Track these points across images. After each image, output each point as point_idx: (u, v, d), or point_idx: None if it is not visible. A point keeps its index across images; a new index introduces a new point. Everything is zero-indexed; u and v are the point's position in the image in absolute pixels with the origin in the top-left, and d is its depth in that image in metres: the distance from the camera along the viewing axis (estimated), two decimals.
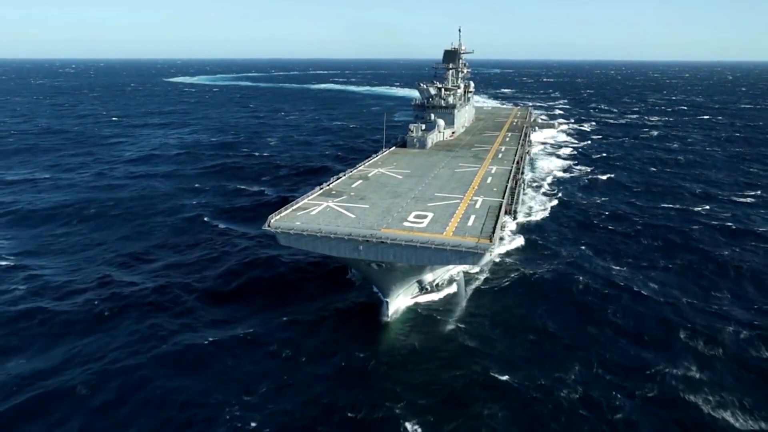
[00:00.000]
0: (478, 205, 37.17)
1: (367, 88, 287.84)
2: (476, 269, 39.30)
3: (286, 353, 30.61)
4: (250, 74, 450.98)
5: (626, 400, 26.74)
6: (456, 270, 38.04)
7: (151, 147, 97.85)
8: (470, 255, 28.98)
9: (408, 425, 24.86)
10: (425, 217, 33.93)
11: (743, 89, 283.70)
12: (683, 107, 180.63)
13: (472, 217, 34.07)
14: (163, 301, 36.32)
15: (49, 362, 29.72)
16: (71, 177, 73.69)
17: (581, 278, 40.24)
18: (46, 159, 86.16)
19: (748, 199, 64.17)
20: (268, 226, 31.70)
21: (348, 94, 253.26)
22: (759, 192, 66.96)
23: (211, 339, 31.66)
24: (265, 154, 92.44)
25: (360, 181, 43.41)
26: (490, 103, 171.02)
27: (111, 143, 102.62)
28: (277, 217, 33.04)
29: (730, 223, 53.51)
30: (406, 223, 32.49)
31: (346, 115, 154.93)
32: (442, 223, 32.86)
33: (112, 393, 27.08)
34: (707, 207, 60.32)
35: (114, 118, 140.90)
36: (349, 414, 25.74)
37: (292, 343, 31.59)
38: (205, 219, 55.09)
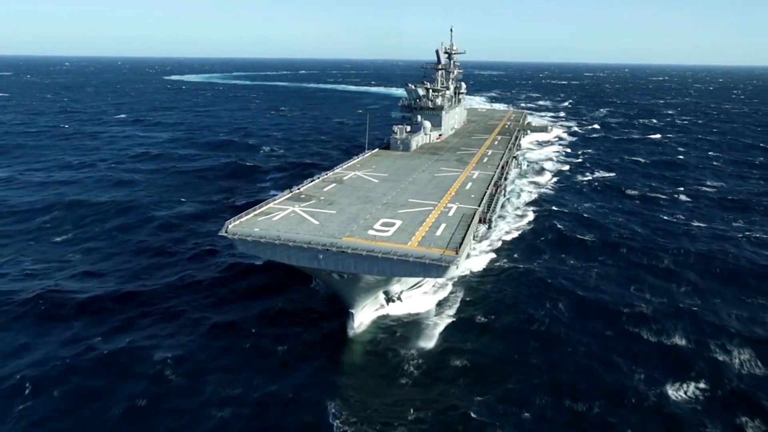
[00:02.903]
0: (451, 213, 35.58)
1: (365, 87, 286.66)
2: (442, 281, 37.22)
3: (241, 365, 29.10)
4: (247, 73, 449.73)
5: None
6: (425, 280, 36.48)
7: (148, 145, 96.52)
8: (434, 267, 27.41)
9: None
10: (393, 225, 32.34)
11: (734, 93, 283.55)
12: (674, 111, 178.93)
13: (443, 226, 32.49)
14: (113, 304, 35.15)
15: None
16: (64, 175, 72.60)
17: (564, 288, 38.78)
18: (50, 157, 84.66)
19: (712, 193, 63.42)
20: (225, 231, 30.17)
21: (346, 93, 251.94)
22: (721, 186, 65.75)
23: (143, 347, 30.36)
24: (260, 152, 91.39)
25: (333, 185, 41.84)
26: (487, 105, 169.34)
27: (109, 141, 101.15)
28: (236, 222, 31.49)
29: (715, 227, 52.39)
30: (371, 232, 30.91)
31: (344, 114, 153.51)
32: (410, 232, 31.27)
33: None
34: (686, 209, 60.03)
35: (107, 117, 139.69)
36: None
37: (249, 353, 30.13)
38: (185, 219, 53.70)
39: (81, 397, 26.37)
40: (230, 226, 30.56)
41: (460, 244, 29.14)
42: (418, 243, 29.54)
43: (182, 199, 61.06)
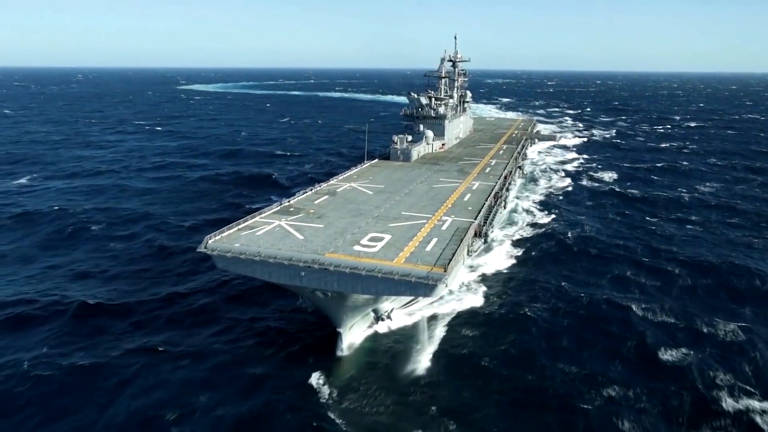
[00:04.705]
0: (445, 227, 34.02)
1: (376, 96, 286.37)
2: (431, 300, 34.76)
3: (223, 385, 27.76)
4: (257, 83, 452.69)
5: None
6: (417, 298, 34.77)
7: (162, 154, 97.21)
8: (421, 286, 25.81)
9: None
10: (381, 239, 30.84)
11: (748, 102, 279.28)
12: (683, 118, 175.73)
13: (433, 241, 30.92)
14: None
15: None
16: (81, 182, 73.63)
17: (563, 298, 37.36)
18: (67, 165, 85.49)
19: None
20: (205, 247, 28.84)
21: (357, 101, 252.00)
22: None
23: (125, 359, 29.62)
24: (272, 160, 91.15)
25: (325, 197, 40.46)
26: (497, 114, 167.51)
27: (126, 150, 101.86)
28: (217, 237, 30.16)
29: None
30: (356, 247, 29.42)
31: (355, 122, 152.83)
32: (398, 247, 29.73)
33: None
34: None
35: (122, 126, 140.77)
36: None
37: (234, 373, 28.78)
38: (195, 226, 53.21)
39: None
40: (210, 242, 29.27)
41: (450, 260, 27.54)
42: (405, 259, 28.00)
43: (194, 207, 61.17)
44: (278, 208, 36.79)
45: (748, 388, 27.88)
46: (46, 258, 45.10)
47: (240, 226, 32.29)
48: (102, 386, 27.34)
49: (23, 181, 73.83)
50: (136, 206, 60.99)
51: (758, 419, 25.63)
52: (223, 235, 30.62)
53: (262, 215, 34.78)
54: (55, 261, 44.42)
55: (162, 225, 53.73)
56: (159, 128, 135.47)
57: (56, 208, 58.34)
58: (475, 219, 35.79)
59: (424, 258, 28.17)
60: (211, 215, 57.34)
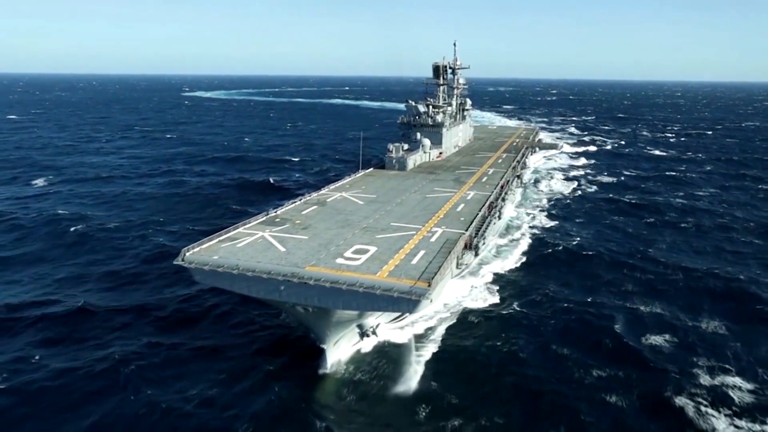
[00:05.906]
0: (434, 238, 32.92)
1: (382, 103, 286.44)
2: (418, 315, 33.31)
3: (235, 381, 27.70)
4: (261, 90, 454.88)
5: None
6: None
7: (166, 160, 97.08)
8: (404, 301, 24.68)
9: None
10: (366, 252, 29.74)
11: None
12: (679, 125, 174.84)
13: (420, 253, 29.81)
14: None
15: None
16: (87, 188, 73.55)
17: (561, 309, 36.25)
18: (72, 171, 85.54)
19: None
20: (182, 260, 27.85)
21: (361, 108, 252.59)
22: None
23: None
24: (276, 167, 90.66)
25: (314, 207, 39.43)
26: (499, 122, 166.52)
27: (129, 156, 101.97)
28: (196, 249, 29.16)
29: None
30: (339, 260, 28.35)
31: (359, 129, 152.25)
32: (383, 260, 28.62)
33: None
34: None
35: (127, 132, 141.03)
36: None
37: (243, 368, 28.77)
38: (194, 233, 52.04)
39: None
40: (188, 254, 28.27)
41: (435, 274, 26.41)
42: (389, 273, 26.88)
43: (200, 212, 61.17)
44: (264, 218, 35.79)
45: (730, 376, 28.74)
46: (57, 260, 45.29)
47: (221, 237, 31.33)
48: (116, 379, 27.85)
49: (31, 185, 74.03)
50: (144, 210, 61.35)
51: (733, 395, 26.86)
52: (202, 247, 29.61)
53: (246, 226, 33.78)
54: (65, 262, 44.63)
55: (168, 229, 53.84)
56: (166, 135, 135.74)
57: (65, 212, 58.38)
58: (466, 230, 34.68)
59: (409, 271, 27.07)
60: (217, 219, 56.82)
